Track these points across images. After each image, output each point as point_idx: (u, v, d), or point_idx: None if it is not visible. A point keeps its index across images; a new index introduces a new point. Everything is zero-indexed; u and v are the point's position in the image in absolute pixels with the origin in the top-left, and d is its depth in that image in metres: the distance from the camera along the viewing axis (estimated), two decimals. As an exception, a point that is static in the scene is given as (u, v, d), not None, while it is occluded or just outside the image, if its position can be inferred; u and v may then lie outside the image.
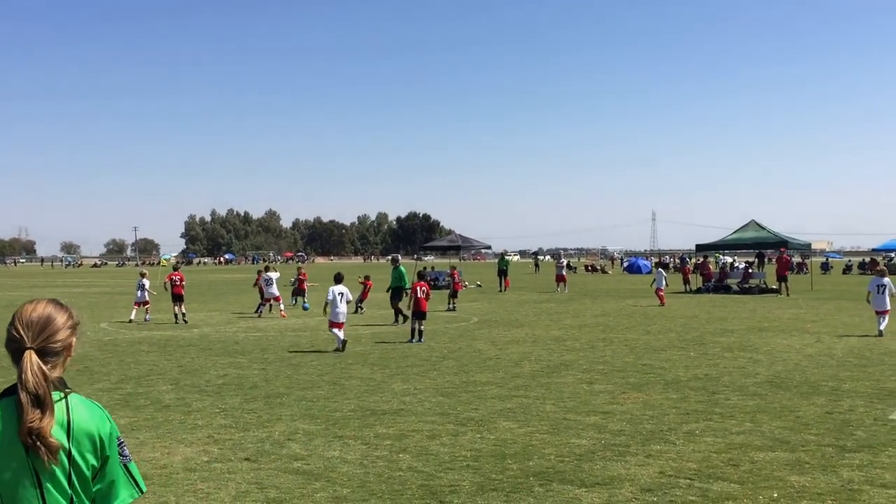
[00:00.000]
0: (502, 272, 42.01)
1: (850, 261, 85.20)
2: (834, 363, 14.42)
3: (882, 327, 18.64)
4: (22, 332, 2.56)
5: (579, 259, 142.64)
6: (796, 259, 58.58)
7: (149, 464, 7.81)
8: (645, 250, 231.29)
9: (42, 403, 2.47)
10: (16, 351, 2.56)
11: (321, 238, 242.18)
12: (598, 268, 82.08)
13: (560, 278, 41.28)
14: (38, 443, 2.44)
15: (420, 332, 18.44)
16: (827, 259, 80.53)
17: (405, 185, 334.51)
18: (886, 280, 19.30)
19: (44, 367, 2.52)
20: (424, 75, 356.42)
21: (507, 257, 45.18)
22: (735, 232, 41.35)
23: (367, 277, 28.74)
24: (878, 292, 19.10)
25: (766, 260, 46.80)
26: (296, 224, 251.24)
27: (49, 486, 2.48)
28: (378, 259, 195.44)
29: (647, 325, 22.22)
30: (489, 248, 57.92)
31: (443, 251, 56.96)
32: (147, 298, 24.95)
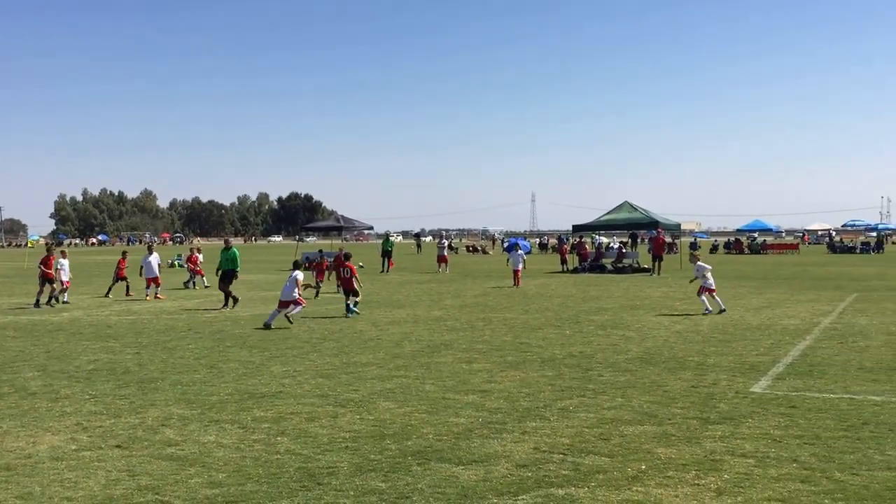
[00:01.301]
0: (386, 253, 41.94)
1: (716, 241, 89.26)
2: (700, 339, 15.09)
3: (709, 306, 19.69)
4: None
5: (461, 240, 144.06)
6: (668, 239, 60.87)
7: (12, 454, 7.46)
8: (525, 231, 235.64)
9: None
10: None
11: (200, 219, 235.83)
12: (480, 248, 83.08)
13: (442, 259, 41.58)
14: None
15: (349, 306, 19.79)
16: (695, 239, 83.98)
17: (287, 166, 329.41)
18: (700, 264, 20.63)
19: None
20: (305, 54, 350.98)
21: (391, 238, 45.12)
22: (609, 213, 42.56)
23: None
24: (701, 275, 20.31)
25: (639, 240, 48.34)
26: (173, 204, 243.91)
27: None
28: (256, 240, 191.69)
29: (525, 304, 22.67)
30: (371, 228, 57.71)
31: (325, 232, 56.39)
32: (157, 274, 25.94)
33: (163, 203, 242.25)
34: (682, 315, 19.30)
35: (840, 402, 9.48)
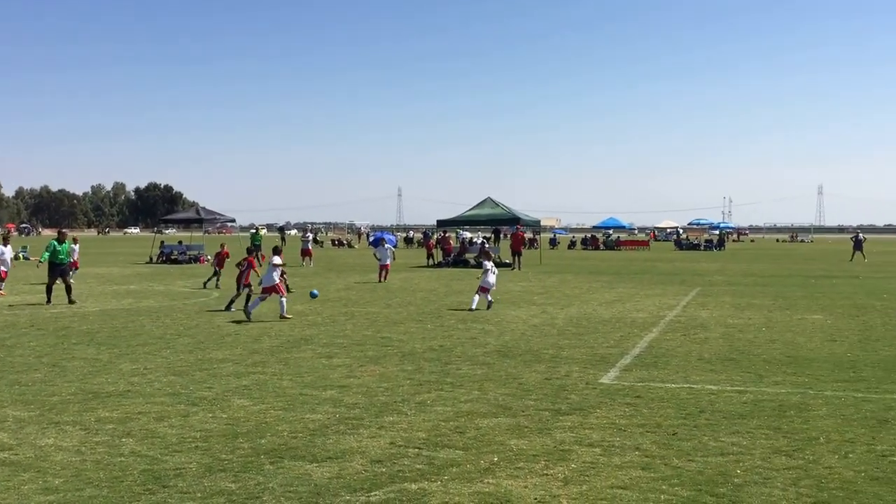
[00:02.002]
0: (255, 247, 41.07)
1: (573, 237, 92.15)
2: (555, 332, 15.54)
3: (475, 305, 19.38)
4: None
5: (327, 233, 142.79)
6: (528, 235, 62.30)
7: None
8: (392, 225, 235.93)
9: None
10: None
11: (49, 209, 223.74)
12: (345, 242, 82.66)
13: (306, 252, 41.11)
14: None
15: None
16: (555, 235, 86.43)
17: (146, 156, 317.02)
18: (489, 264, 20.41)
19: None
20: (160, 42, 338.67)
21: (259, 232, 44.20)
22: (472, 209, 43.19)
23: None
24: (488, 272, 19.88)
25: (501, 236, 49.28)
26: (20, 193, 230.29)
27: None
28: (110, 232, 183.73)
29: (388, 298, 22.71)
30: (234, 221, 56.35)
31: (185, 224, 54.57)
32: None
33: (8, 191, 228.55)
34: (540, 309, 19.81)
35: (680, 392, 9.98)
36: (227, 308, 19.19)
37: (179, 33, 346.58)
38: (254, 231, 44.62)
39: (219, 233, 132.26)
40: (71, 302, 20.53)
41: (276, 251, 19.11)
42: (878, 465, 6.97)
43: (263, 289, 18.05)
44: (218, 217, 50.55)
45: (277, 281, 18.08)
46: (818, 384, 10.50)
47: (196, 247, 45.82)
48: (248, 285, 18.91)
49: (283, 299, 18.01)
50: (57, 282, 21.01)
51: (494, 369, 11.57)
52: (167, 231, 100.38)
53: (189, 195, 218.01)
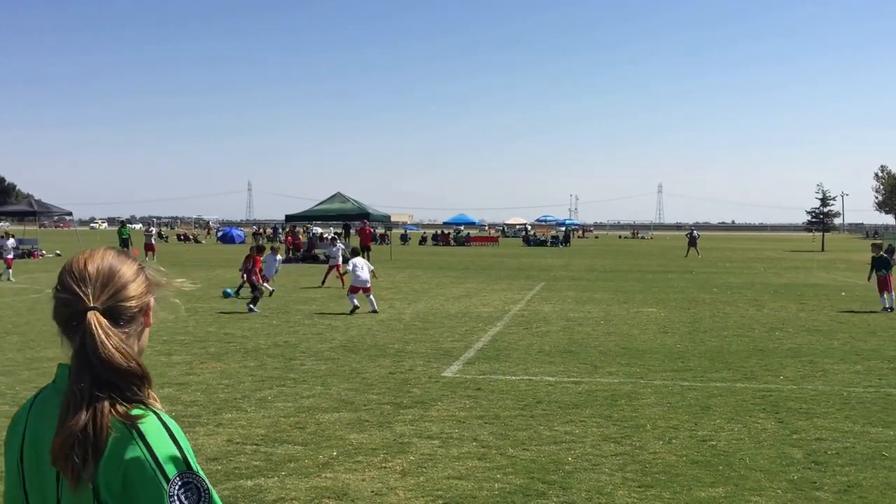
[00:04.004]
0: (124, 242, 39.31)
1: (425, 233, 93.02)
2: (402, 327, 15.65)
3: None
4: (78, 288, 1.75)
5: (172, 228, 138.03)
6: (379, 230, 62.38)
7: None
8: (241, 220, 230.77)
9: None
10: (70, 317, 1.74)
11: None
12: (192, 237, 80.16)
13: (149, 247, 39.65)
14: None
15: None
16: (406, 231, 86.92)
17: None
18: (356, 260, 19.30)
19: (119, 333, 1.73)
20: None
21: (127, 226, 42.37)
22: (322, 203, 42.82)
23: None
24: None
25: (351, 231, 49.12)
26: None
27: None
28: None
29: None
30: (70, 214, 53.53)
31: (19, 217, 51.39)
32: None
33: None
34: (388, 304, 19.89)
35: (520, 384, 10.28)
36: (251, 309, 17.89)
37: (12, 24, 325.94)
38: (122, 225, 42.70)
39: (56, 226, 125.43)
40: None
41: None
42: (698, 450, 7.42)
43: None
44: (53, 210, 47.94)
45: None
46: (649, 374, 11.06)
47: (30, 241, 43.29)
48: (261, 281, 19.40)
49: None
50: None
51: (339, 364, 11.54)
52: (0, 224, 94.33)
53: (23, 187, 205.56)
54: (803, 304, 20.70)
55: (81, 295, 1.74)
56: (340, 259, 26.21)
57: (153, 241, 40.35)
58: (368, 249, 38.61)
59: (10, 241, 26.52)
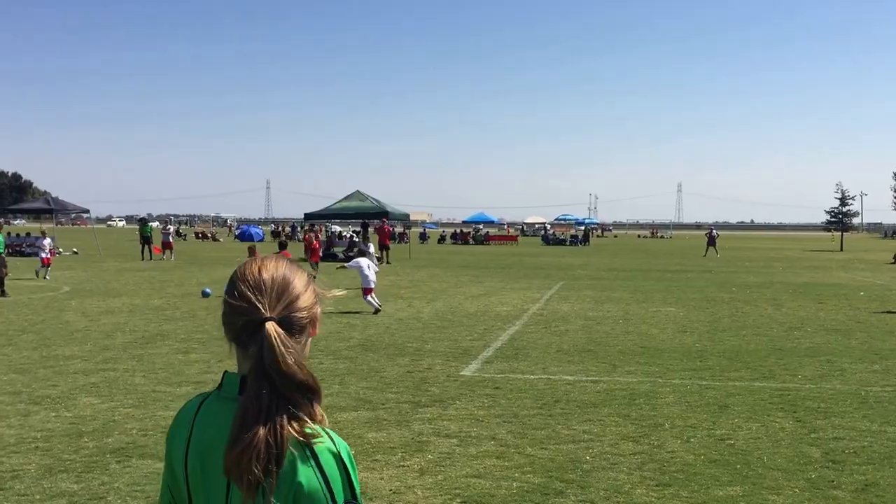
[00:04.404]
0: (146, 239, 39.54)
1: (444, 231, 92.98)
2: (420, 326, 15.64)
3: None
4: (254, 297, 1.73)
5: (191, 226, 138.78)
6: (398, 229, 62.38)
7: None
8: (260, 218, 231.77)
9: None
10: (243, 327, 1.73)
11: None
12: (210, 235, 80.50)
13: (167, 245, 39.83)
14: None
15: None
16: (425, 229, 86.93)
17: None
18: (361, 261, 18.74)
19: (295, 345, 1.72)
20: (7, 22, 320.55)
21: (149, 224, 42.60)
22: (340, 201, 42.83)
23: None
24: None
25: (370, 229, 49.16)
26: None
27: None
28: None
29: (252, 292, 22.24)
30: (88, 212, 53.91)
31: (35, 215, 51.80)
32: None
33: None
34: (406, 303, 19.89)
35: (538, 383, 10.23)
36: None
37: (32, 23, 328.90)
38: (144, 222, 42.87)
39: (73, 224, 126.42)
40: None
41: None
42: (716, 449, 7.36)
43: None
44: (70, 208, 48.28)
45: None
46: (667, 373, 10.98)
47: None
48: None
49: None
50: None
51: (357, 363, 11.53)
52: (16, 222, 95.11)
53: (41, 185, 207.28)
54: (822, 304, 20.52)
55: (258, 304, 1.73)
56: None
57: (171, 240, 40.51)
58: (387, 248, 38.65)
59: (47, 241, 26.68)
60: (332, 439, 1.71)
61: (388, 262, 37.23)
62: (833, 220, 67.17)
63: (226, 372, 1.79)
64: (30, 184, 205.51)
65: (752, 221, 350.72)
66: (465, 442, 7.49)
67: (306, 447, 1.66)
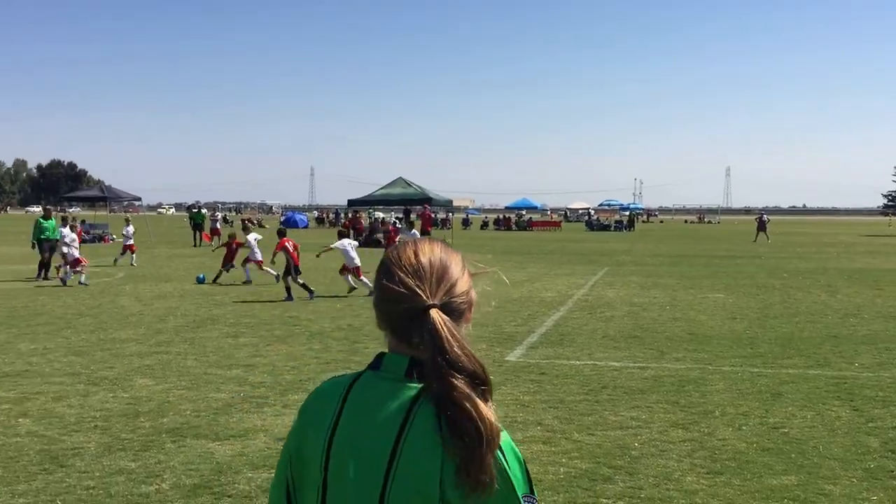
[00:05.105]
0: (197, 226, 40.29)
1: (486, 217, 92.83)
2: (465, 311, 15.63)
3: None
4: (413, 283, 1.65)
5: (238, 213, 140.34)
6: (441, 215, 62.45)
7: None
8: (304, 205, 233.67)
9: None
10: (404, 314, 1.65)
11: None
12: (255, 221, 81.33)
13: (214, 231, 40.37)
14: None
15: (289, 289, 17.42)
16: (467, 215, 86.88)
17: (48, 132, 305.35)
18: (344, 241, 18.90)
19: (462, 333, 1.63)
20: (64, 13, 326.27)
21: (201, 211, 43.36)
22: (383, 188, 42.93)
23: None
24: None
25: (412, 216, 49.31)
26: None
27: None
28: (10, 210, 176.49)
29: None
30: (139, 199, 54.88)
31: (90, 202, 52.86)
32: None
33: None
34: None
35: (584, 368, 10.20)
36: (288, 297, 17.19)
37: (88, 10, 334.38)
38: (195, 210, 43.57)
39: (125, 212, 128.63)
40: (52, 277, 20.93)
41: (280, 233, 19.10)
42: (769, 437, 7.27)
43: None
44: (122, 195, 49.18)
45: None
46: (717, 360, 10.87)
47: (101, 226, 44.53)
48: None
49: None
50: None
51: (404, 347, 11.57)
52: (71, 210, 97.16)
53: (94, 173, 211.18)
54: (880, 290, 20.09)
55: (419, 291, 1.64)
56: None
57: (218, 226, 41.07)
58: (429, 234, 38.76)
59: (130, 228, 26.94)
60: (504, 432, 1.64)
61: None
62: (891, 203, 66.05)
63: (384, 353, 1.71)
64: (84, 173, 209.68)
65: (805, 206, 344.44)
66: (511, 427, 7.49)
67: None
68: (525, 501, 1.61)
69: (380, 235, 41.36)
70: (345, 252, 18.45)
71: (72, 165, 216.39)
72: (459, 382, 1.56)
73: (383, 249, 24.37)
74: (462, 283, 1.71)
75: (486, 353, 11.15)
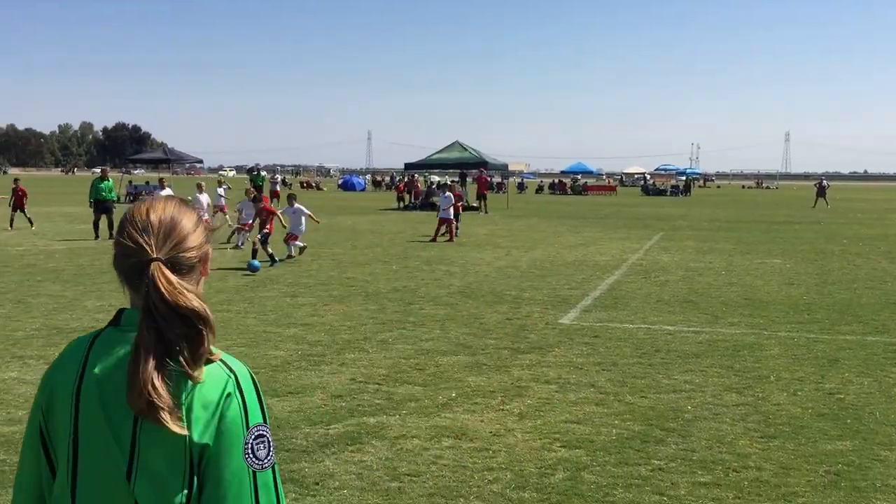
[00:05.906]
0: (258, 188, 41.00)
1: (541, 181, 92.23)
2: (518, 274, 15.70)
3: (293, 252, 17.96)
4: (141, 238, 1.75)
5: (297, 175, 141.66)
6: (496, 179, 62.26)
7: None
8: (361, 168, 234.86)
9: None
10: (132, 268, 1.74)
11: (16, 147, 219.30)
12: (314, 185, 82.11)
13: (274, 194, 40.96)
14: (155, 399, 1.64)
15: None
16: (522, 180, 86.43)
17: (114, 95, 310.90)
18: (297, 206, 18.42)
19: (182, 282, 1.72)
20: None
21: (261, 173, 43.86)
22: (440, 152, 43.04)
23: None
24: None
25: (468, 179, 49.25)
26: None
27: (149, 467, 1.67)
28: (77, 171, 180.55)
29: (354, 240, 22.76)
30: (201, 162, 55.86)
31: (154, 164, 53.96)
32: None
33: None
34: (505, 251, 19.97)
35: (638, 332, 10.19)
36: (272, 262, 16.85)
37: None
38: (255, 173, 44.02)
39: (188, 174, 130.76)
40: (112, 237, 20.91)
41: (291, 198, 19.09)
42: (824, 403, 7.22)
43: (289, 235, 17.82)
44: (185, 158, 50.10)
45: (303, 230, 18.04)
46: (773, 325, 10.77)
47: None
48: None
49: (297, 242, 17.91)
50: (102, 217, 22.10)
51: (457, 309, 11.71)
52: (135, 171, 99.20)
53: (157, 136, 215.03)
54: (943, 258, 19.58)
55: (144, 245, 1.73)
56: (451, 212, 23.43)
57: (278, 188, 41.64)
58: (485, 198, 38.75)
59: (223, 188, 26.18)
60: (233, 364, 1.75)
61: (486, 212, 37.31)
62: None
63: (123, 308, 1.79)
64: (148, 135, 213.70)
65: (866, 172, 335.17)
66: (564, 388, 7.57)
67: (230, 372, 1.72)
68: (257, 430, 1.72)
69: (436, 199, 41.48)
70: (293, 217, 17.97)
71: (136, 128, 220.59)
72: (171, 314, 1.66)
73: (438, 213, 24.62)
74: (193, 238, 1.79)
75: (540, 316, 11.20)
